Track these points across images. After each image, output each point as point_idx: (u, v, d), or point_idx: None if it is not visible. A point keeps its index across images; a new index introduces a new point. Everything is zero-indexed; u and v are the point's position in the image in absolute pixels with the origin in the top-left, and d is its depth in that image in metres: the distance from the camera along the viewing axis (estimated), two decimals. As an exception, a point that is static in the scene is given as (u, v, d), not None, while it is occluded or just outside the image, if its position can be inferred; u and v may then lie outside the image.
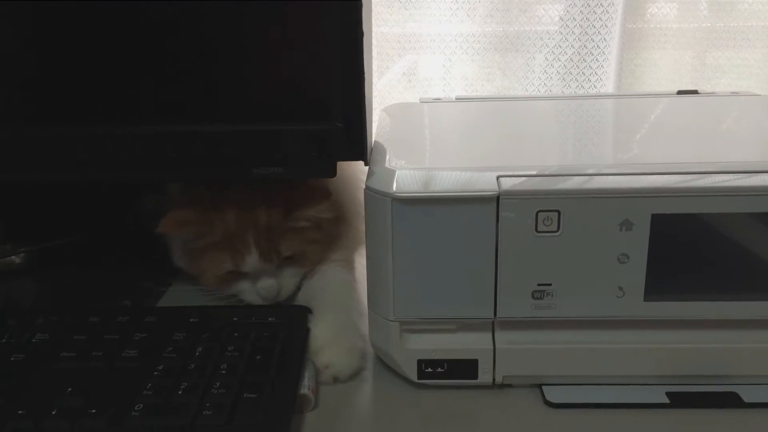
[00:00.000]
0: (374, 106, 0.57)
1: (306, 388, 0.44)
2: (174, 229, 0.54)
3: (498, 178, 0.41)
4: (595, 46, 0.98)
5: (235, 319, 0.51)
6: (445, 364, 0.45)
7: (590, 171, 0.42)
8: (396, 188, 0.42)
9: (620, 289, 0.42)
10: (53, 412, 0.40)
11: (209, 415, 0.40)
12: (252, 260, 0.53)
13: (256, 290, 0.55)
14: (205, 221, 0.53)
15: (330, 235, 0.59)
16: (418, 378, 0.46)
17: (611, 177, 0.41)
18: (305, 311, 0.53)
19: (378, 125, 0.60)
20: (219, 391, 0.42)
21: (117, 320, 0.51)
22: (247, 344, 0.47)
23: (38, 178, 0.51)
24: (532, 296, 0.43)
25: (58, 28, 0.47)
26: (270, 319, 0.51)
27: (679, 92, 0.74)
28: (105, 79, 0.49)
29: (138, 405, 0.41)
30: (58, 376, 0.44)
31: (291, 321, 0.51)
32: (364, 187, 0.44)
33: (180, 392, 0.42)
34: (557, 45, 0.99)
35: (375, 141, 0.53)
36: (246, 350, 0.46)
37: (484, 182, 0.41)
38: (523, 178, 0.42)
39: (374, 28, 0.97)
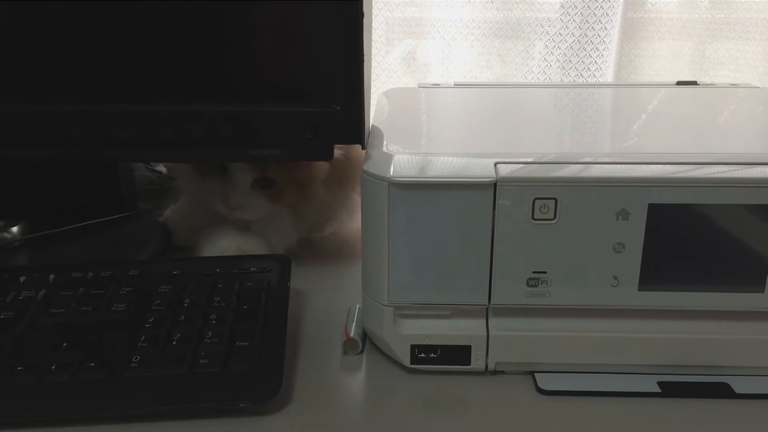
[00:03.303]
0: (372, 90, 0.57)
1: (352, 331, 0.48)
2: None
3: (495, 164, 0.41)
4: (596, 34, 0.98)
5: (218, 270, 0.52)
6: (438, 350, 0.45)
7: (588, 159, 0.42)
8: (393, 173, 0.42)
9: (615, 278, 0.42)
10: (53, 367, 0.41)
11: (206, 363, 0.41)
12: None
13: None
14: None
15: None
16: (411, 363, 0.46)
17: (609, 166, 0.41)
18: (286, 260, 0.54)
19: (376, 109, 0.59)
20: (212, 340, 0.43)
21: (101, 275, 0.51)
22: (232, 295, 0.48)
23: (33, 155, 0.51)
24: (527, 283, 0.43)
25: (57, 5, 0.47)
26: (252, 269, 0.52)
27: (678, 83, 0.73)
28: (102, 57, 0.48)
29: (135, 357, 0.42)
30: (51, 331, 0.44)
31: (273, 270, 0.52)
32: (362, 171, 0.44)
33: (174, 343, 0.43)
34: (557, 33, 0.99)
35: (372, 125, 0.53)
36: (233, 300, 0.48)
37: (482, 168, 0.41)
38: (521, 166, 0.41)
39: (374, 12, 0.97)
